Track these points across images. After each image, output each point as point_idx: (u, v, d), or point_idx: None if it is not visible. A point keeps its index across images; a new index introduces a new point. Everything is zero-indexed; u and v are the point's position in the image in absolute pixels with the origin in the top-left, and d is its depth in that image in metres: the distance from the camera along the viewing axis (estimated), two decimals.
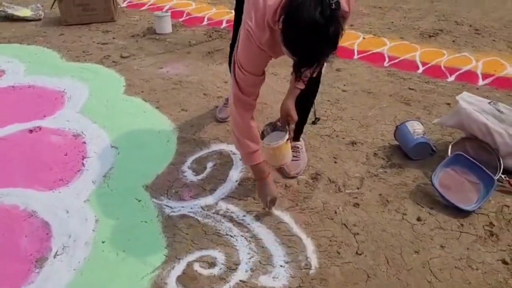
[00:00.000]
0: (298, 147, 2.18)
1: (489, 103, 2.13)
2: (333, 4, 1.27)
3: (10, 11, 3.86)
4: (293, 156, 2.05)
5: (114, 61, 3.20)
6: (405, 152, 2.21)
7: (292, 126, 1.91)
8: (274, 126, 1.96)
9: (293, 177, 2.09)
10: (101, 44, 3.47)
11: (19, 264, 1.67)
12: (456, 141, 2.17)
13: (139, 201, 1.96)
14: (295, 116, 1.89)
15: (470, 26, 3.73)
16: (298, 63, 1.42)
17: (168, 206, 1.94)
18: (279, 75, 3.00)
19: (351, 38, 3.54)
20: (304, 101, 2.01)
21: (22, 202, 1.95)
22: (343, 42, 3.49)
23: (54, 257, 1.70)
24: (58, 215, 1.88)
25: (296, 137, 2.16)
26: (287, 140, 1.88)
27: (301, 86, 1.86)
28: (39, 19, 3.90)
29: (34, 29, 3.75)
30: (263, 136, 1.93)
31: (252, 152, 1.79)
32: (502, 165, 2.03)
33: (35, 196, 1.98)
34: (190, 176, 2.12)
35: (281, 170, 2.12)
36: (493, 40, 3.48)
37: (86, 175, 2.12)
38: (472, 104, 2.10)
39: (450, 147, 2.14)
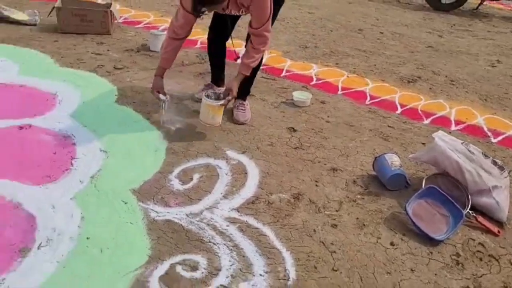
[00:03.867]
0: (244, 104, 2.88)
1: (462, 143, 2.30)
2: None
3: (6, 13, 3.90)
4: (241, 109, 2.81)
5: (107, 71, 3.27)
6: (382, 183, 2.34)
7: (229, 98, 2.54)
8: (218, 95, 2.59)
9: (242, 124, 2.77)
10: (95, 54, 3.54)
11: (1, 253, 1.68)
12: (430, 175, 2.32)
13: (125, 203, 2.01)
14: (235, 93, 2.58)
15: (446, 76, 4.00)
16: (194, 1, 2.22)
17: (153, 210, 1.99)
18: (267, 101, 3.13)
19: (336, 75, 3.73)
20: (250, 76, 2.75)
21: (8, 194, 1.96)
22: (329, 78, 3.67)
23: (38, 248, 1.71)
24: (43, 209, 1.90)
25: (243, 96, 2.88)
26: (221, 105, 2.51)
27: (246, 71, 2.57)
28: (35, 24, 3.95)
29: (29, 33, 3.80)
30: (206, 96, 2.55)
31: (162, 59, 2.67)
32: (470, 201, 2.18)
33: (22, 189, 2.00)
34: (176, 185, 2.18)
35: (233, 120, 2.78)
36: (466, 92, 3.73)
37: (73, 174, 2.15)
38: (446, 142, 2.27)
39: (424, 180, 2.28)
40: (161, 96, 2.65)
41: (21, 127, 2.45)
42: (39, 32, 3.85)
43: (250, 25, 2.48)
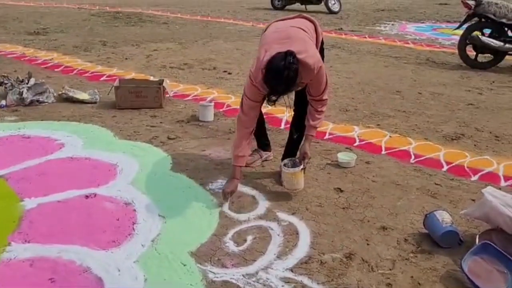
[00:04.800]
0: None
1: None
2: (291, 60, 2.29)
3: (70, 94, 4.33)
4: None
5: (161, 142, 3.52)
6: (435, 240, 2.34)
7: (306, 160, 2.76)
8: (294, 162, 2.78)
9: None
10: (150, 127, 3.82)
11: None
12: (483, 231, 2.31)
13: (185, 265, 2.11)
14: (309, 154, 2.78)
15: (490, 133, 3.99)
16: (269, 92, 2.42)
17: (211, 271, 2.08)
18: (312, 163, 3.23)
19: (379, 136, 3.82)
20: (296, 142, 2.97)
21: (78, 259, 2.12)
22: (372, 139, 3.76)
23: None
24: (110, 272, 2.04)
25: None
26: (302, 169, 2.70)
27: (313, 133, 2.78)
28: (95, 102, 4.35)
29: (90, 111, 4.17)
30: (284, 165, 2.74)
31: (237, 156, 2.68)
32: None
33: (90, 254, 2.16)
34: (231, 246, 2.27)
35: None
36: None
37: (136, 238, 2.30)
38: (497, 198, 2.27)
39: (477, 236, 2.27)
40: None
41: (87, 196, 2.65)
42: (99, 109, 4.21)
43: (309, 93, 2.67)
